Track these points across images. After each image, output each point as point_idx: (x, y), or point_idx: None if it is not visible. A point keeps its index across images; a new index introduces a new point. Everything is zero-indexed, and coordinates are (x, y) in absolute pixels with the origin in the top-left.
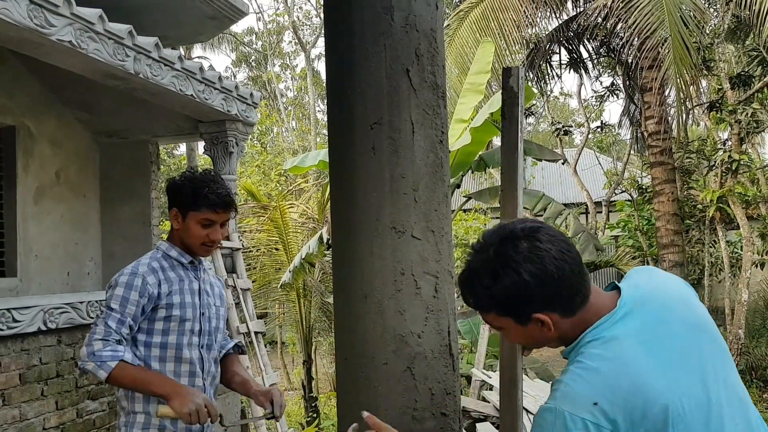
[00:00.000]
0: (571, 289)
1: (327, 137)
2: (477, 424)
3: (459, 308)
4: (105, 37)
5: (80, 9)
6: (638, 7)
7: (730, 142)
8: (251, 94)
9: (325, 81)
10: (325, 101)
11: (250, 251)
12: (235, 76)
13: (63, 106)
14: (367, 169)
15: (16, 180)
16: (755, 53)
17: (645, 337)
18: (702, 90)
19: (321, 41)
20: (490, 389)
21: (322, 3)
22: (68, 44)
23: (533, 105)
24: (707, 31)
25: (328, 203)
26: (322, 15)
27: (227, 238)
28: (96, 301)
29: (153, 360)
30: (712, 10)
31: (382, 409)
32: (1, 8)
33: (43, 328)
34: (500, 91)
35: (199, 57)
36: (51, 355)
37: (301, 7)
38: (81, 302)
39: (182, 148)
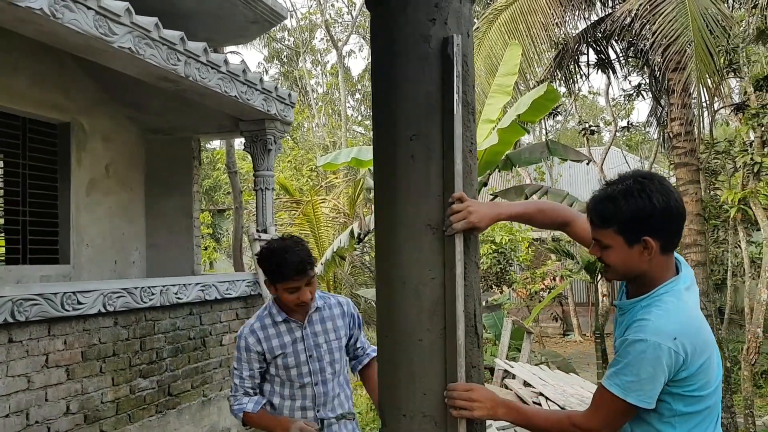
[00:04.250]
0: (678, 229)
1: (372, 147)
2: None
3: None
4: (160, 44)
5: (138, 17)
6: (663, 12)
7: (753, 145)
8: (289, 95)
9: (356, 79)
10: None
11: None
12: (267, 72)
13: (115, 105)
14: (407, 174)
15: (70, 173)
16: None
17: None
18: (731, 91)
19: (352, 39)
20: (513, 378)
21: (364, 14)
22: (128, 51)
23: (560, 103)
24: (734, 34)
25: (359, 198)
26: (353, 13)
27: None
28: (148, 287)
29: (275, 398)
30: (741, 11)
31: (418, 377)
32: (71, 19)
33: (103, 310)
34: (527, 93)
35: (230, 52)
36: (109, 335)
37: (333, 5)
38: (135, 288)
39: (216, 142)
